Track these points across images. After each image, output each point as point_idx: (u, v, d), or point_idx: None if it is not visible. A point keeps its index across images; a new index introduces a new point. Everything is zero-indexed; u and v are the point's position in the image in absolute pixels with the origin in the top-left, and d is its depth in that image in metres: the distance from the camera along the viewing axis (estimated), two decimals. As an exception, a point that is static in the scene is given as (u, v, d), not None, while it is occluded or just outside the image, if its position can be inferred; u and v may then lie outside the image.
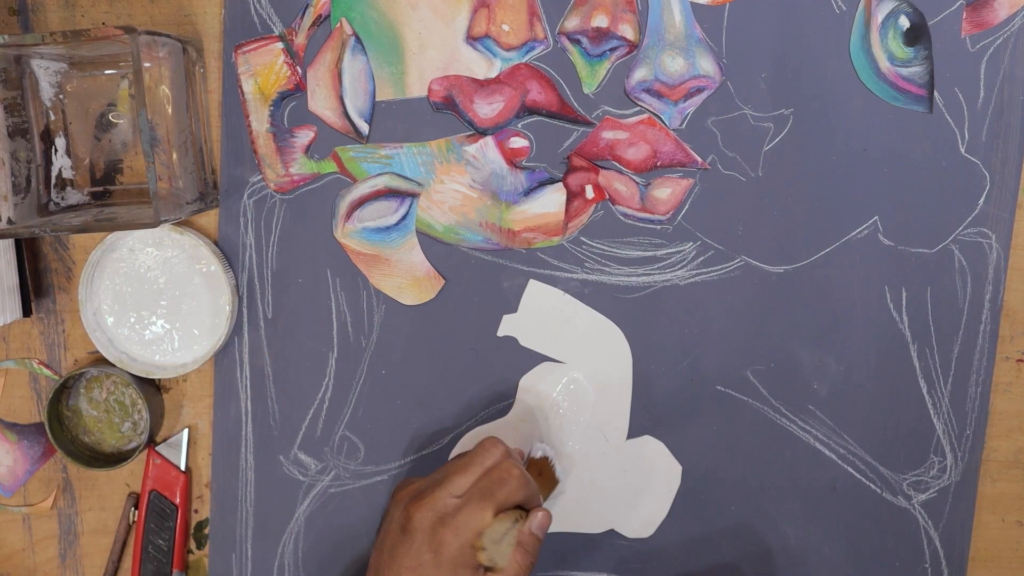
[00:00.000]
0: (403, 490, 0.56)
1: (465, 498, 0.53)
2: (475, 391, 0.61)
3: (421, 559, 0.52)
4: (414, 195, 0.59)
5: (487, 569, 0.52)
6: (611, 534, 0.62)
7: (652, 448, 0.61)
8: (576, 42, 0.58)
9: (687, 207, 0.59)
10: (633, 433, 0.61)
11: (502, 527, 0.53)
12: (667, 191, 0.59)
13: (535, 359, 0.60)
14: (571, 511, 0.61)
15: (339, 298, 0.60)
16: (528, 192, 0.59)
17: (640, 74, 0.58)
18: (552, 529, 0.61)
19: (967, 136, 0.58)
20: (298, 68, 0.58)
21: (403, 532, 0.53)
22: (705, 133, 0.58)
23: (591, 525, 0.62)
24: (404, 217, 0.59)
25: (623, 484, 0.61)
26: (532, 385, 0.61)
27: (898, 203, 0.59)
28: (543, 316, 0.60)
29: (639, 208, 0.59)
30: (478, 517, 0.52)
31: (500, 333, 0.60)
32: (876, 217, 0.59)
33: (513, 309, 0.60)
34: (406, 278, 0.60)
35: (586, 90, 0.58)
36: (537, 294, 0.60)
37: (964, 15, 0.57)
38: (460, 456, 0.56)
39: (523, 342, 0.60)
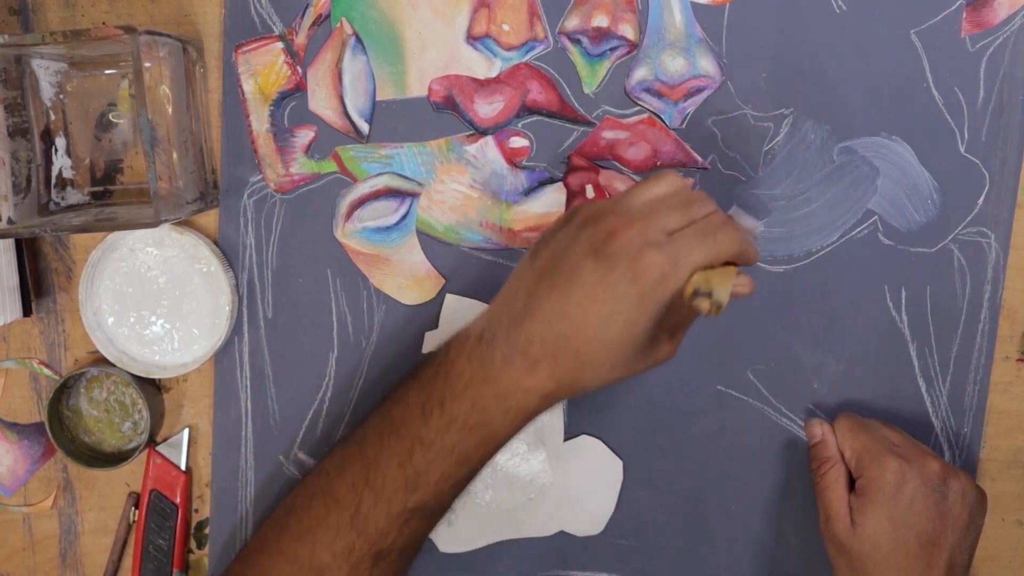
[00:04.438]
0: (589, 206, 0.47)
1: (680, 235, 0.45)
2: (475, 391, 0.61)
3: (620, 289, 0.43)
4: (414, 195, 0.59)
5: (694, 300, 0.44)
6: (610, 533, 0.62)
7: (590, 446, 0.61)
8: (576, 42, 0.58)
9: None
10: (631, 433, 0.61)
11: (723, 275, 0.45)
12: None
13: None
14: (518, 517, 0.62)
15: (339, 298, 0.60)
16: (528, 192, 0.59)
17: (640, 74, 0.58)
18: (501, 537, 0.62)
19: (967, 136, 0.58)
20: (298, 68, 0.58)
21: (596, 254, 0.44)
22: (705, 133, 0.58)
23: (539, 529, 0.62)
24: (404, 217, 0.59)
25: (566, 485, 0.61)
26: None
27: (898, 203, 0.59)
28: None
29: None
30: (699, 252, 0.44)
31: (425, 351, 0.60)
32: (876, 217, 0.59)
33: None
34: (406, 278, 0.60)
35: (586, 90, 0.58)
36: (455, 307, 0.60)
37: (964, 15, 0.57)
38: (658, 197, 0.47)
39: None
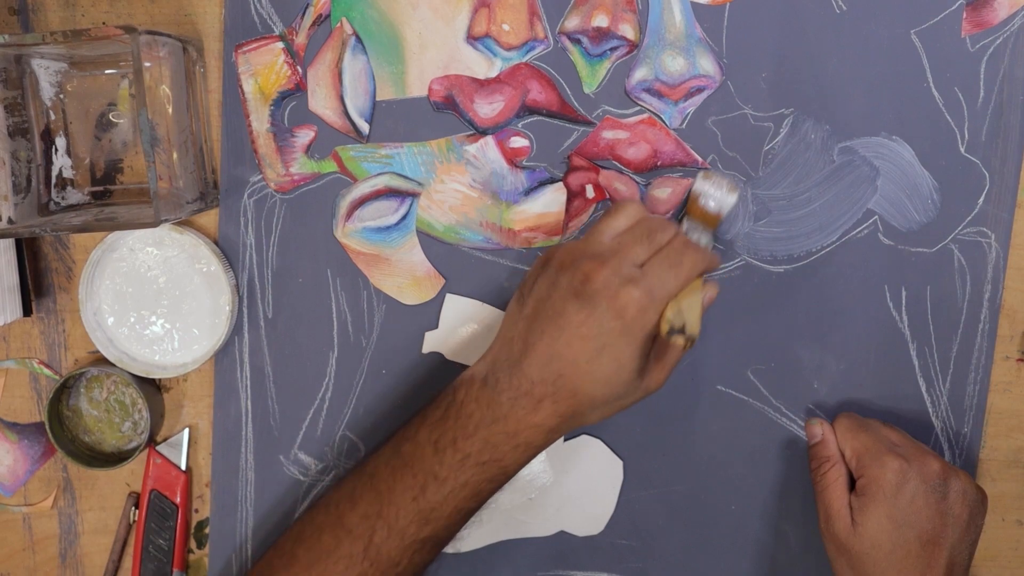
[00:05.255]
0: (562, 252, 0.51)
1: (649, 267, 0.49)
2: (475, 391, 0.61)
3: (604, 326, 0.48)
4: (414, 195, 0.59)
5: (670, 338, 0.48)
6: (610, 533, 0.62)
7: (591, 446, 0.61)
8: (576, 42, 0.58)
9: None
10: (632, 433, 0.61)
11: (692, 296, 0.49)
12: (667, 191, 0.59)
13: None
14: (518, 517, 0.62)
15: (339, 298, 0.60)
16: (528, 192, 0.59)
17: (640, 74, 0.58)
18: (501, 537, 0.62)
19: (967, 135, 0.58)
20: (298, 68, 0.58)
21: (578, 296, 0.48)
22: (705, 133, 0.58)
23: (540, 529, 0.62)
24: (404, 217, 0.59)
25: (566, 485, 0.61)
26: None
27: (898, 203, 0.59)
28: (465, 328, 0.60)
29: None
30: (671, 281, 0.49)
31: (425, 350, 0.60)
32: (876, 217, 0.59)
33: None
34: (406, 278, 0.60)
35: (586, 90, 0.58)
36: (456, 307, 0.60)
37: (964, 15, 0.57)
38: (622, 231, 0.52)
39: (449, 356, 0.60)
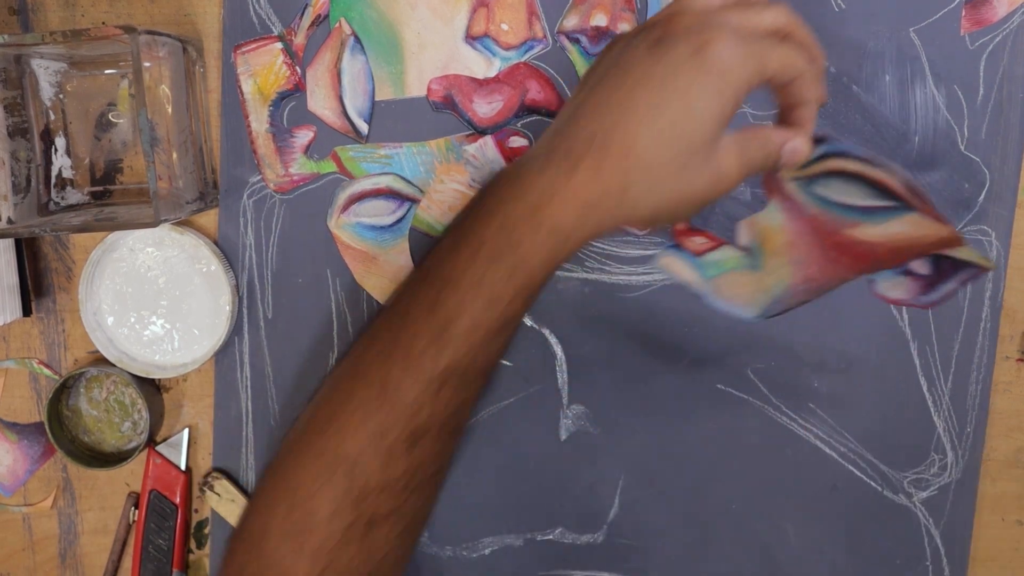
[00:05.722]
0: (646, 22, 0.42)
1: (753, 31, 0.41)
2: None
3: (680, 64, 0.38)
4: (414, 200, 0.59)
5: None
6: (610, 533, 0.62)
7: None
8: (575, 41, 0.58)
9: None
10: (632, 433, 0.61)
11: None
12: None
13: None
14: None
15: (339, 298, 0.60)
16: (528, 191, 0.59)
17: (639, 73, 0.58)
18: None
19: (967, 134, 0.58)
20: (297, 68, 0.58)
21: (655, 44, 0.40)
22: (704, 132, 0.58)
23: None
24: (400, 220, 0.59)
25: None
26: None
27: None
28: None
29: None
30: (776, 51, 0.40)
31: None
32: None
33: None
34: (390, 279, 0.60)
35: (585, 89, 0.58)
36: None
37: (963, 12, 0.57)
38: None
39: None
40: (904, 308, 0.59)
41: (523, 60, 0.58)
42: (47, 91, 0.57)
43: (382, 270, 0.60)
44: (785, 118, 0.44)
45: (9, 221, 0.54)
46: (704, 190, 0.41)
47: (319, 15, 0.58)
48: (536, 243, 0.41)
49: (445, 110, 0.58)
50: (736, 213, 0.58)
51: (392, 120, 0.59)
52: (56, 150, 0.58)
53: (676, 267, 0.49)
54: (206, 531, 0.62)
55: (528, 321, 0.60)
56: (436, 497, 0.47)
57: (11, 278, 0.58)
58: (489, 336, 0.43)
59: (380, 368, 0.43)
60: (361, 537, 0.44)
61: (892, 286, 0.49)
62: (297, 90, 0.58)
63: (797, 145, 0.43)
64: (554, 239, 0.41)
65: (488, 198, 0.42)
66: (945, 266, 0.47)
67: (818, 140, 0.45)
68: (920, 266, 0.47)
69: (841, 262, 0.47)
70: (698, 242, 0.49)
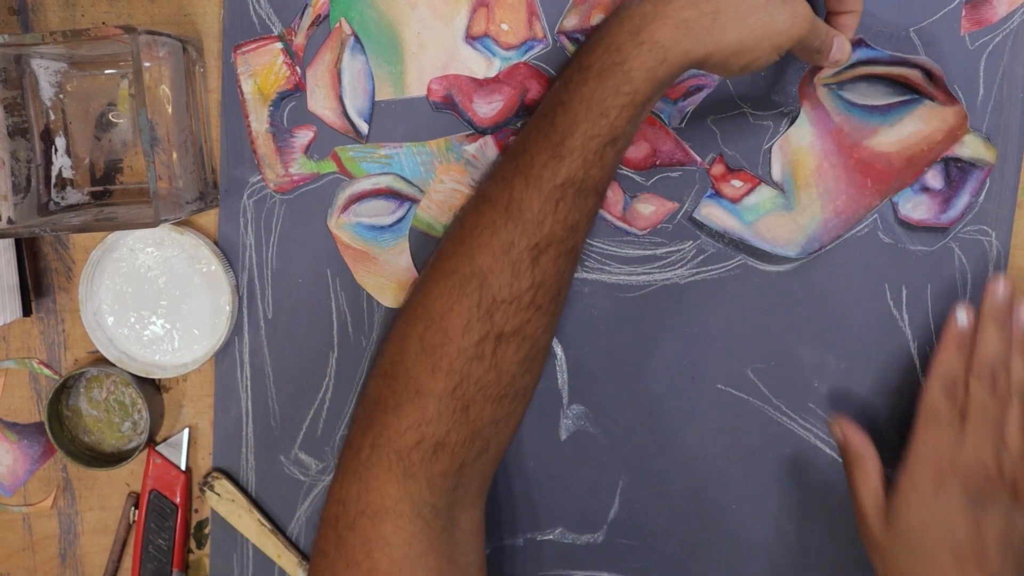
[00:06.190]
0: None
1: None
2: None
3: None
4: (414, 200, 0.59)
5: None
6: (610, 533, 0.62)
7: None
8: (575, 41, 0.58)
9: (687, 205, 0.59)
10: (632, 433, 0.61)
11: None
12: (650, 208, 0.59)
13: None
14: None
15: (339, 298, 0.60)
16: (528, 191, 0.59)
17: (639, 73, 0.58)
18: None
19: (966, 134, 0.58)
20: (297, 68, 0.58)
21: None
22: (705, 132, 0.58)
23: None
24: (400, 220, 0.59)
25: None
26: None
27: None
28: None
29: (619, 217, 0.59)
30: None
31: None
32: (876, 215, 0.59)
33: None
34: (390, 279, 0.60)
35: (585, 89, 0.58)
36: None
37: (963, 12, 0.57)
38: None
39: None
40: (904, 308, 0.59)
41: (523, 60, 0.58)
42: (47, 91, 0.57)
43: (382, 270, 0.60)
44: (831, 24, 0.52)
45: (9, 221, 0.54)
46: (784, 27, 0.47)
47: (319, 15, 0.58)
48: (638, 59, 0.46)
49: (445, 110, 0.58)
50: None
51: (392, 120, 0.59)
52: (56, 150, 0.58)
53: (717, 216, 0.56)
54: (206, 531, 0.62)
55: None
56: (553, 327, 0.52)
57: (11, 278, 0.58)
58: (600, 149, 0.48)
59: (504, 189, 0.49)
60: (491, 353, 0.48)
61: (914, 206, 0.55)
62: (297, 90, 0.58)
63: (843, 43, 0.51)
64: (654, 55, 0.46)
65: (594, 34, 0.48)
66: (955, 176, 0.53)
67: (854, 45, 0.54)
68: (934, 179, 0.53)
69: (865, 186, 0.51)
70: (736, 185, 0.55)
